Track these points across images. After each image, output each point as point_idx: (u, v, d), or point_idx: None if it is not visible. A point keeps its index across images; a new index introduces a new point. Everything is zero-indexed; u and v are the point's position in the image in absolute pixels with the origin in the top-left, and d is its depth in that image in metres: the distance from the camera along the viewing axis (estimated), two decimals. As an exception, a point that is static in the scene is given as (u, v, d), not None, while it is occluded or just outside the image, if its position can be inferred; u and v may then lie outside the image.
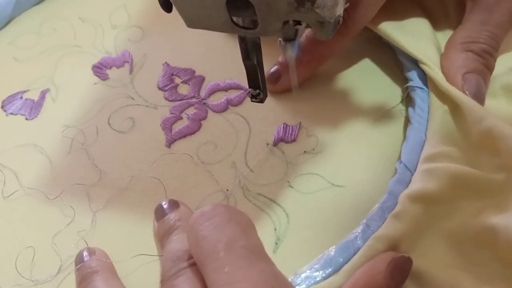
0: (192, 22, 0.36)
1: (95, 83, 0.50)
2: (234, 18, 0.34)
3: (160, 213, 0.39)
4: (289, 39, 0.37)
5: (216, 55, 0.50)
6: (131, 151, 0.45)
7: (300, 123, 0.44)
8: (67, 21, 0.56)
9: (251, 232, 0.31)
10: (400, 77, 0.46)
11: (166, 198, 0.41)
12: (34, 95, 0.50)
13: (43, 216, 0.42)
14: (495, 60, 0.43)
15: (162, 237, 0.38)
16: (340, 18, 0.34)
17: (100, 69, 0.51)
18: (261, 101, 0.40)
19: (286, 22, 0.34)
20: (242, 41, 0.37)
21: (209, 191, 0.42)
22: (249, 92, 0.40)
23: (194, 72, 0.49)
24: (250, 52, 0.37)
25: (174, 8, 0.36)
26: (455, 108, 0.41)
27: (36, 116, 0.48)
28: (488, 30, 0.43)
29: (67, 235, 0.41)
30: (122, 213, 0.42)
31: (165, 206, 0.39)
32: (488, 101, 0.42)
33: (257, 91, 0.40)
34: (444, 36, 0.46)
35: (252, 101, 0.40)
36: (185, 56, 0.50)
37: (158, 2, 0.36)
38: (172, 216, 0.38)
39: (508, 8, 0.43)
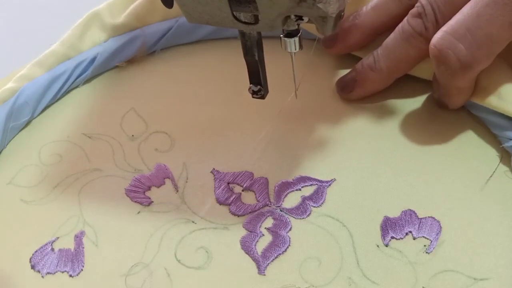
0: (194, 17, 0.35)
1: (139, 212, 0.41)
2: (236, 13, 0.34)
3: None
4: (290, 34, 0.37)
5: (268, 150, 0.43)
6: (222, 291, 0.37)
7: (413, 212, 0.38)
8: (70, 141, 0.46)
9: None
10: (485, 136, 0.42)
11: None
12: (68, 243, 0.40)
13: None
14: None
15: None
16: (342, 13, 0.34)
17: (137, 193, 0.42)
18: (262, 97, 0.40)
19: (287, 17, 0.34)
20: (243, 37, 0.37)
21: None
22: (249, 88, 0.40)
23: (252, 174, 0.42)
24: (251, 48, 0.37)
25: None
26: None
27: (82, 270, 0.39)
28: None
29: None
30: None
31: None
32: None
33: (258, 87, 0.39)
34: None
35: (253, 97, 0.40)
36: (232, 158, 0.43)
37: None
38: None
39: None
